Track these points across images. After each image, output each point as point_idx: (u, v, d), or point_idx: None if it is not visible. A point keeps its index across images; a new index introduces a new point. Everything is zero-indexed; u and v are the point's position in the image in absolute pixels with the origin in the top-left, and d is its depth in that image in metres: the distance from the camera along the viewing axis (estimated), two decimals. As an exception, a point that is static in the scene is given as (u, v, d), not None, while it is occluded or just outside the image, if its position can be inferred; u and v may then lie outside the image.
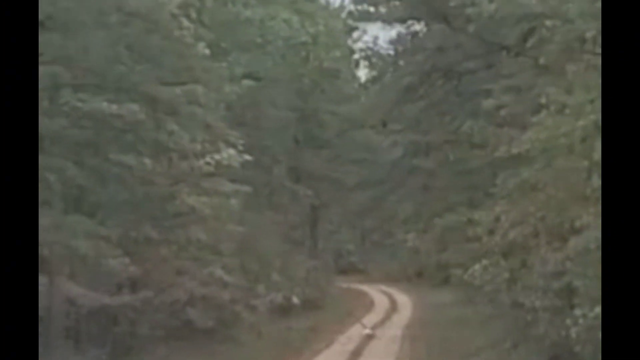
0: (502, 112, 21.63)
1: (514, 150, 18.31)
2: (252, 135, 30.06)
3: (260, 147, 31.50)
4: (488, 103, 23.99)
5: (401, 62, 34.00)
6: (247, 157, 25.68)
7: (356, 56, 45.72)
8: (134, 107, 18.75)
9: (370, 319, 44.57)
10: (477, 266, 22.90)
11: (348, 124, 44.69)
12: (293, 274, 44.68)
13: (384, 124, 39.01)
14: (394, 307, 52.85)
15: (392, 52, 41.15)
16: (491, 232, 22.27)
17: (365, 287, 65.00)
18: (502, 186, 21.63)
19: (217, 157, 25.08)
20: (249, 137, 29.50)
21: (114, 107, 18.31)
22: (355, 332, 38.14)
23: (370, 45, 41.10)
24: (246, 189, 24.86)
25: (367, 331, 36.08)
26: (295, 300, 42.42)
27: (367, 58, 40.29)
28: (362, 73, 51.47)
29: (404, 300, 56.29)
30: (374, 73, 42.20)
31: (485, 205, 23.14)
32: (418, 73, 32.22)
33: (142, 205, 22.36)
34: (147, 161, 21.46)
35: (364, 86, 49.36)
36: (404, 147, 44.11)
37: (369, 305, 53.93)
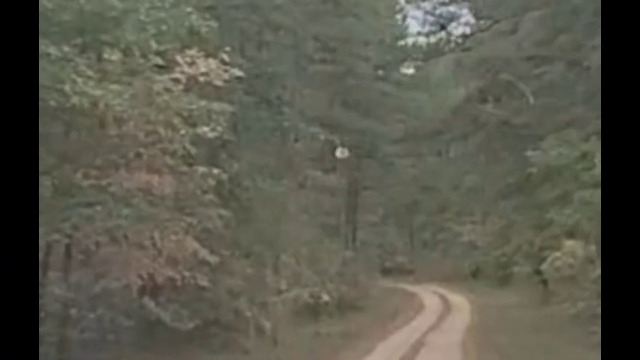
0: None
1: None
2: (253, 58, 21.22)
3: (265, 76, 22.61)
4: None
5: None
6: (238, 72, 16.90)
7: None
8: None
9: (420, 322, 37.53)
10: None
11: (391, 56, 35.34)
12: (324, 267, 36.48)
13: (442, 26, 29.76)
14: (447, 308, 45.92)
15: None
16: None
17: (413, 288, 58.28)
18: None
19: (188, 70, 16.37)
20: (249, 62, 20.75)
21: None
22: (401, 338, 30.79)
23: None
24: (227, 107, 15.84)
25: None
26: (325, 298, 34.07)
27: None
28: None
29: (459, 301, 49.94)
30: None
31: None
32: None
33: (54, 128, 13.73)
34: (68, 49, 12.80)
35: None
36: (466, 83, 34.51)
37: (419, 306, 46.78)
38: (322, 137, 24.89)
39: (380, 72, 42.06)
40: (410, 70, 49.08)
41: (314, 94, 32.00)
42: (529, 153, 23.34)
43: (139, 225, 14.73)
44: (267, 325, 26.27)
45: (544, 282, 37.36)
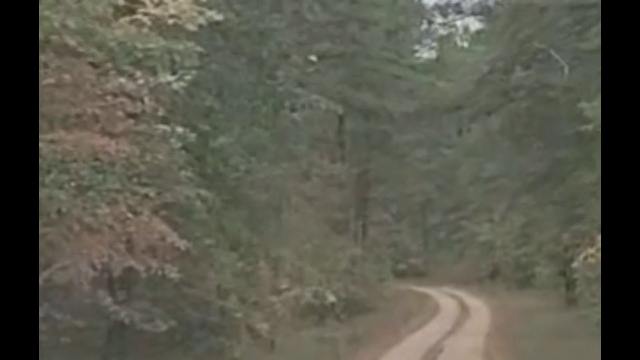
0: None
1: None
2: (242, 12, 18.01)
3: (256, 32, 19.29)
4: None
5: None
6: (216, 15, 13.65)
7: None
8: None
9: (436, 326, 35.13)
10: None
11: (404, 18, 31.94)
12: (330, 264, 33.71)
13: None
14: (465, 312, 43.28)
15: None
16: None
17: (427, 290, 55.90)
18: None
19: (154, 11, 13.21)
20: (237, 16, 17.57)
21: None
22: (414, 343, 28.20)
23: None
24: (193, 47, 12.52)
25: None
26: (331, 299, 30.99)
27: None
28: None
29: (477, 304, 47.29)
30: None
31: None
32: None
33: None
34: None
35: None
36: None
37: (433, 309, 44.26)
38: (322, 105, 21.50)
39: (394, 56, 39.07)
40: (425, 54, 46.40)
41: (320, 69, 28.82)
42: (584, 104, 19.97)
43: (80, 197, 11.54)
44: (264, 328, 23.10)
45: (570, 284, 34.70)
